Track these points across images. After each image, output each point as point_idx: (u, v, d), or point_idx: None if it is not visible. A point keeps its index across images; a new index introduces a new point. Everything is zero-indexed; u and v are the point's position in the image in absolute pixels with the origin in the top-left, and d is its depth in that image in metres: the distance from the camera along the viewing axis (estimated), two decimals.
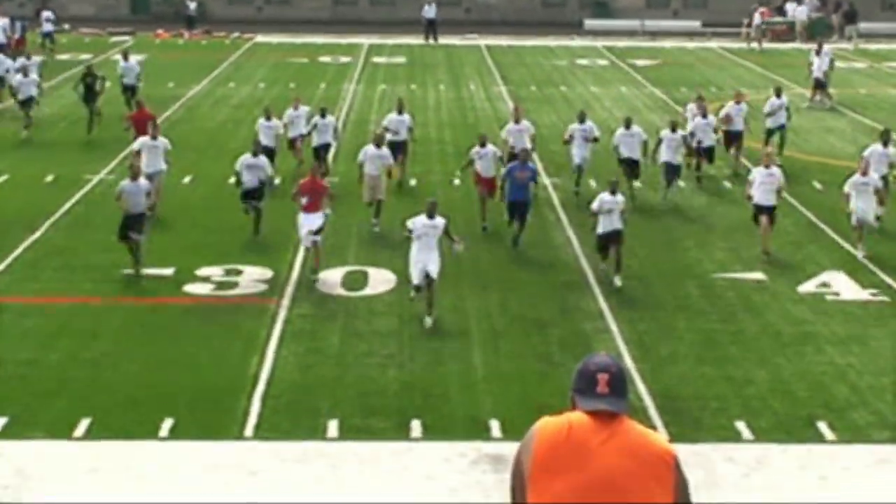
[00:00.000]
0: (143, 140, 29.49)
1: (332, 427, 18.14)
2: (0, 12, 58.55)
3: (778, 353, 21.21)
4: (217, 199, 29.07)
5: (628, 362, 20.25)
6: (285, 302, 23.27)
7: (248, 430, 17.99)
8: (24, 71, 39.52)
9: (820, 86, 46.79)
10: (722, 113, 35.27)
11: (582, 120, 32.47)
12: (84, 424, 17.99)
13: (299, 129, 33.60)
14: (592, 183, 32.25)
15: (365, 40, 66.52)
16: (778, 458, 17.43)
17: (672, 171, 31.34)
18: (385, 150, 29.20)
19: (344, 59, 59.71)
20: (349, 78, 53.62)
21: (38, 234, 27.39)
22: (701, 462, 16.87)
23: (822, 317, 23.18)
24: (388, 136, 31.66)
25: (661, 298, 24.04)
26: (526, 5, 79.64)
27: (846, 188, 26.92)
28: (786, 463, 17.29)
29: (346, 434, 17.93)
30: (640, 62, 59.97)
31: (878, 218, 27.69)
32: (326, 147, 33.46)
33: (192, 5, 72.40)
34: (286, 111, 34.26)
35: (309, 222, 24.76)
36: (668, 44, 68.38)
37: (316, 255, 24.76)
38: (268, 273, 24.90)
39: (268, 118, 33.05)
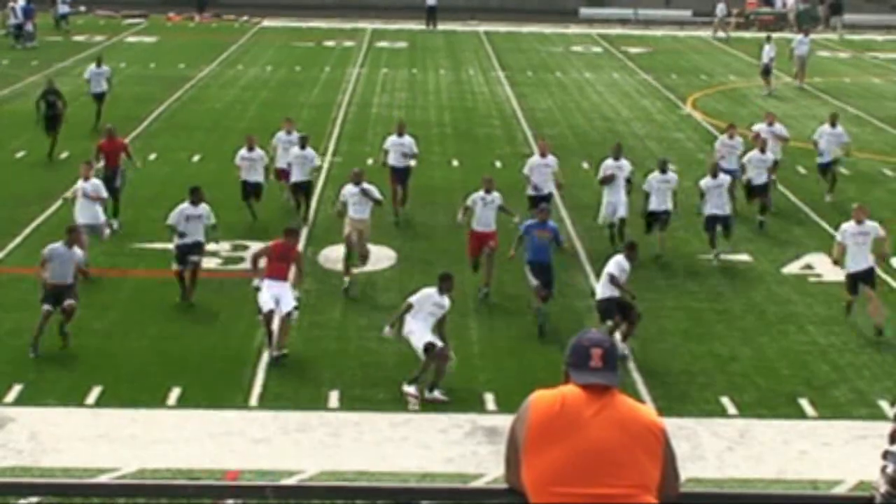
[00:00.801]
0: (84, 186, 24.27)
1: (334, 397, 18.67)
2: None
3: (762, 331, 21.70)
4: (225, 177, 29.44)
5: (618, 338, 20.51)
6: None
7: (253, 400, 18.52)
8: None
9: (766, 72, 47.74)
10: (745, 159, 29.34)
11: (617, 156, 26.75)
12: (95, 392, 18.55)
13: (290, 158, 27.93)
14: (585, 165, 32.59)
15: (368, 25, 66.99)
16: (761, 432, 17.91)
17: (717, 223, 26.01)
18: (368, 186, 24.00)
19: (348, 44, 60.12)
20: (353, 62, 54.05)
21: (52, 209, 27.89)
22: (687, 435, 17.38)
23: (804, 297, 23.73)
24: (390, 162, 28.47)
25: (650, 278, 24.44)
26: None
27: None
28: (768, 437, 17.77)
29: (346, 404, 18.46)
30: (633, 49, 60.43)
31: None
32: (306, 186, 28.04)
33: None
34: (276, 135, 29.50)
35: (276, 291, 20.23)
36: (659, 32, 68.82)
37: (284, 332, 20.12)
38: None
39: (250, 148, 28.03)
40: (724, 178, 26.17)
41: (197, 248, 22.51)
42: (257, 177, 27.69)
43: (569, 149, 36.23)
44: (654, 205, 25.86)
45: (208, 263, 23.86)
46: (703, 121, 41.49)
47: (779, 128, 31.26)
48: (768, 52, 47.92)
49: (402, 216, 28.12)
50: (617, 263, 20.57)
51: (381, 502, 6.04)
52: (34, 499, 6.16)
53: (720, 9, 67.33)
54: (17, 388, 18.59)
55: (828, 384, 19.65)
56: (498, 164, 34.16)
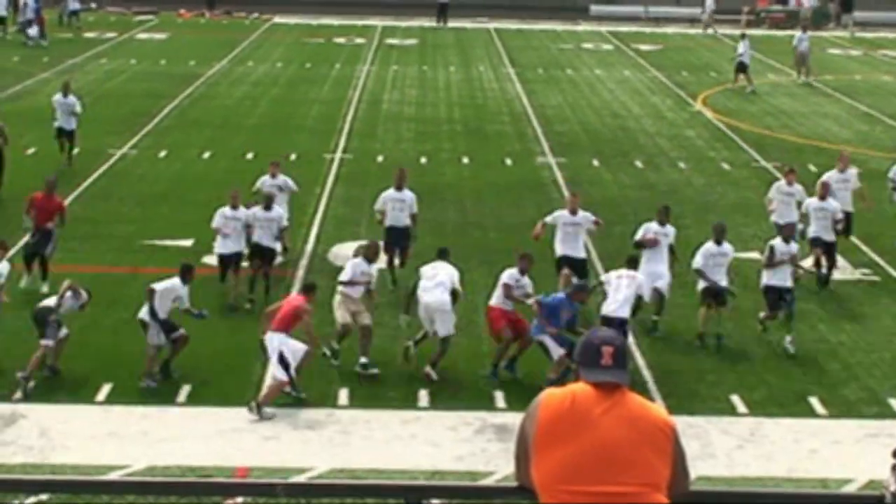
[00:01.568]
0: None
1: (343, 395, 18.70)
2: None
3: (772, 329, 21.60)
4: (235, 173, 29.44)
5: (629, 337, 20.45)
6: (299, 273, 23.73)
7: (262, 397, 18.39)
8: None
9: (742, 69, 47.79)
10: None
11: (664, 221, 22.42)
12: (105, 389, 18.60)
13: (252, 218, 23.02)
14: (596, 162, 32.51)
15: (378, 22, 67.01)
16: (771, 430, 17.91)
17: (781, 296, 21.45)
18: (361, 262, 20.43)
19: (358, 41, 60.13)
20: (363, 59, 54.06)
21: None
22: (697, 433, 17.40)
23: (815, 295, 23.65)
24: (387, 222, 23.69)
25: None
26: None
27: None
28: (778, 436, 17.77)
29: (356, 402, 18.49)
30: (644, 47, 60.36)
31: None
32: (269, 253, 22.97)
33: None
34: (261, 179, 24.94)
35: (279, 343, 18.59)
36: (670, 29, 68.79)
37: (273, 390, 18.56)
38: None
39: (233, 206, 22.91)
40: (791, 247, 21.79)
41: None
42: (236, 246, 22.88)
43: (580, 146, 36.28)
44: (709, 282, 21.41)
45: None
46: (713, 118, 41.43)
47: (851, 175, 25.83)
48: (743, 49, 47.87)
49: (399, 279, 23.52)
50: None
51: (391, 500, 6.04)
52: (44, 496, 6.17)
53: (709, 4, 67.64)
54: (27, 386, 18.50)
55: (838, 382, 19.64)
56: (508, 161, 34.16)
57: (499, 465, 16.19)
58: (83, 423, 17.58)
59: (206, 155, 34.09)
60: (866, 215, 26.40)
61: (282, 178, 24.91)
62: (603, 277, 21.12)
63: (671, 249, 22.14)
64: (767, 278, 21.44)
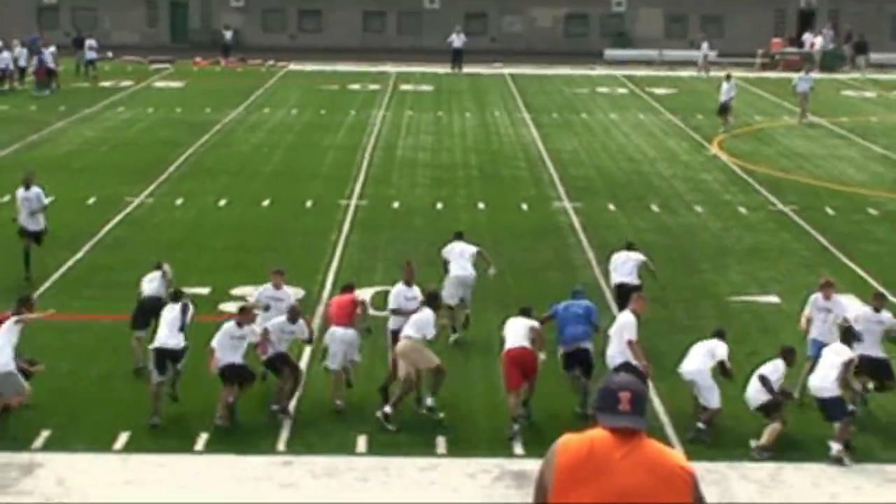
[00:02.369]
0: None
1: (361, 442, 18.63)
2: (45, 42, 59.29)
3: (791, 373, 21.42)
4: (251, 220, 29.44)
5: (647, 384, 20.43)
6: (317, 321, 23.69)
7: (281, 445, 18.48)
8: None
9: (724, 110, 47.94)
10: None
11: (718, 341, 19.96)
12: (123, 438, 18.54)
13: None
14: (612, 206, 32.50)
15: (393, 68, 67.37)
16: (791, 476, 17.80)
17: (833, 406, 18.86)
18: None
19: (373, 87, 60.41)
20: (378, 104, 54.27)
21: (80, 254, 28.07)
22: (717, 479, 17.32)
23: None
24: (391, 326, 21.16)
25: (677, 319, 24.43)
26: (549, 35, 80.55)
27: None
28: (799, 481, 17.65)
29: (374, 449, 18.41)
30: (658, 90, 60.54)
31: None
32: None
33: (229, 34, 73.78)
34: (261, 288, 21.82)
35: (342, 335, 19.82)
36: (685, 73, 68.93)
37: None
38: (300, 293, 24.94)
39: (239, 324, 19.63)
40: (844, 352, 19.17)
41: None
42: (231, 357, 19.55)
43: (595, 190, 36.32)
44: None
45: (236, 308, 23.55)
46: (729, 161, 41.43)
47: (888, 318, 20.51)
48: (727, 90, 48.05)
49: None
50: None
51: None
52: None
53: (704, 47, 67.91)
54: (44, 434, 18.56)
55: (859, 427, 19.39)
56: (524, 206, 34.18)
57: None
58: (101, 471, 17.53)
59: (223, 202, 34.16)
60: (884, 258, 26.30)
61: (286, 290, 21.78)
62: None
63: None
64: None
